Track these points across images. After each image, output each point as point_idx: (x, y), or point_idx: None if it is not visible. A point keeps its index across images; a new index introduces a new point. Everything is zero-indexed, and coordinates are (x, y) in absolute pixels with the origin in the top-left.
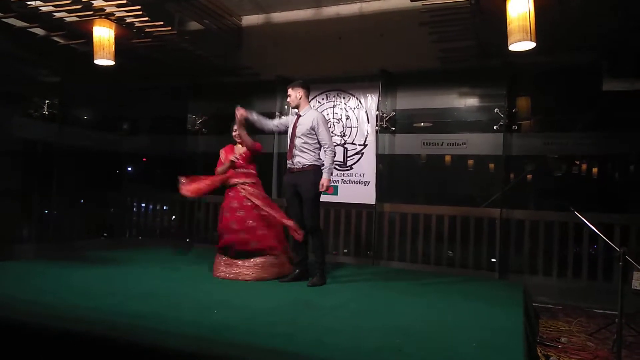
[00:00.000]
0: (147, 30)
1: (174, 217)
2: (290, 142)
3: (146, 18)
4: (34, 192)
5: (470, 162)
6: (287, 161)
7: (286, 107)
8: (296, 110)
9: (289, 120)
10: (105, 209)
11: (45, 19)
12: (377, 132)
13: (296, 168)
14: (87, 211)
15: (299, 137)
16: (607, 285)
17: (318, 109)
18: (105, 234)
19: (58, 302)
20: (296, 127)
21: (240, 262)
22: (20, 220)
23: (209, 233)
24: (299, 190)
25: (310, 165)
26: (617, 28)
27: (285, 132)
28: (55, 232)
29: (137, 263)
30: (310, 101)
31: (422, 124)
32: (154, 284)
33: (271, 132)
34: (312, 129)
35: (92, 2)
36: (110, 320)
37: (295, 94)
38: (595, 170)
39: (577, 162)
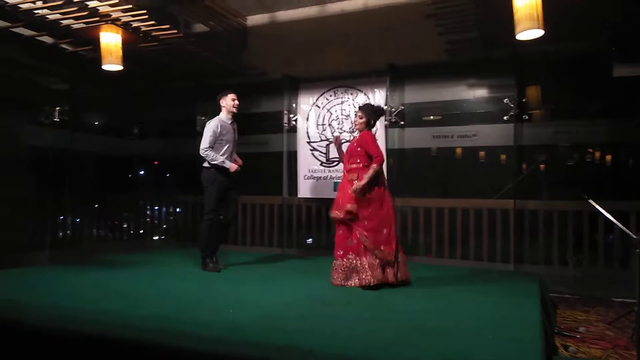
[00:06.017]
0: (154, 34)
1: (172, 217)
2: (234, 148)
3: (152, 22)
4: (47, 198)
5: (482, 153)
6: (227, 163)
7: (285, 107)
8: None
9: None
10: (118, 213)
11: (53, 27)
12: (386, 127)
13: (232, 170)
14: (101, 216)
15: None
16: (624, 274)
17: (326, 106)
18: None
19: (73, 306)
20: (235, 133)
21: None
22: (34, 227)
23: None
24: (230, 187)
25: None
26: (626, 13)
27: None
28: (70, 238)
29: (151, 265)
30: (318, 98)
31: (431, 117)
32: (168, 285)
33: None
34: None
35: (98, 8)
36: (125, 322)
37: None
38: (608, 157)
39: (590, 150)
